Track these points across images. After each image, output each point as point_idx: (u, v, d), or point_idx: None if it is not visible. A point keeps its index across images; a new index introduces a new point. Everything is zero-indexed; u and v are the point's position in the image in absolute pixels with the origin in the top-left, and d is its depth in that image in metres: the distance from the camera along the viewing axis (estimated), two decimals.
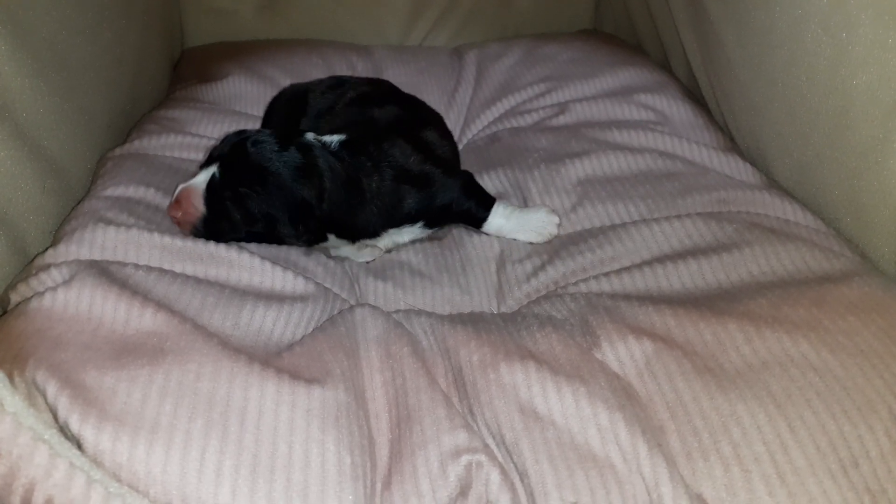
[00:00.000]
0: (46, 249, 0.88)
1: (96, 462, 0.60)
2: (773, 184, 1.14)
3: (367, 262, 1.07)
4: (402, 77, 1.59)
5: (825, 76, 1.01)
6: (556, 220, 1.08)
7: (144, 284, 0.82)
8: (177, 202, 0.94)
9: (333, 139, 1.01)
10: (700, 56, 1.38)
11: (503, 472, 0.67)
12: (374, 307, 0.89)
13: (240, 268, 0.91)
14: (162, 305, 0.78)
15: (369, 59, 1.67)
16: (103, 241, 0.89)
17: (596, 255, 1.00)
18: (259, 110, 1.41)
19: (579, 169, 1.19)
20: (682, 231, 1.01)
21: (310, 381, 0.72)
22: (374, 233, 1.03)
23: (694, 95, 1.44)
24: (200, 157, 1.17)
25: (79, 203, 1.00)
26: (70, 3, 1.08)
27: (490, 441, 0.71)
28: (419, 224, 1.06)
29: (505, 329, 0.85)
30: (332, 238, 1.00)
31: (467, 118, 1.50)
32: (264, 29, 1.81)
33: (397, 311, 0.92)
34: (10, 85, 0.91)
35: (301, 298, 0.90)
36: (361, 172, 0.99)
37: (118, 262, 0.86)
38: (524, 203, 1.15)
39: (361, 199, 0.99)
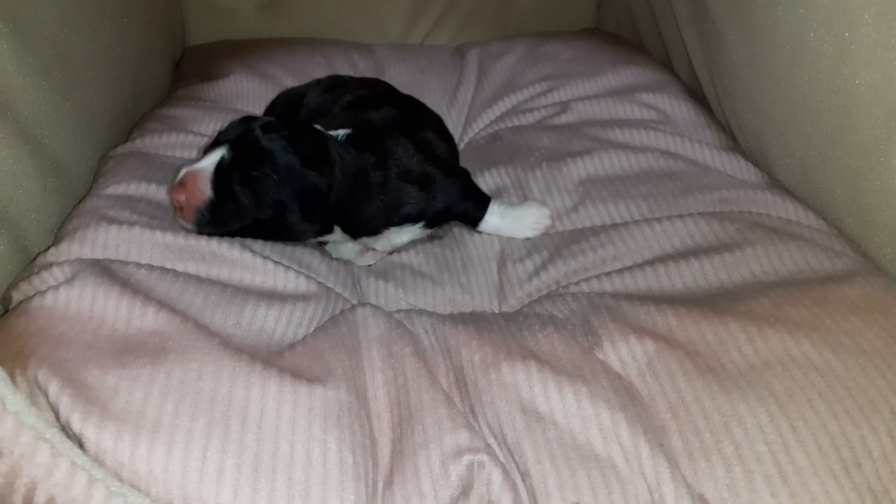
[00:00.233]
0: (48, 248, 0.88)
1: (98, 461, 0.60)
2: (776, 183, 1.14)
3: (369, 266, 1.07)
4: (404, 76, 1.59)
5: (828, 75, 1.00)
6: (548, 212, 1.09)
7: (146, 283, 0.82)
8: (181, 185, 0.89)
9: (339, 133, 1.00)
10: (702, 55, 1.38)
11: (505, 471, 0.67)
12: (375, 307, 0.89)
13: (242, 267, 0.91)
14: (163, 305, 0.78)
15: (371, 58, 1.67)
16: (105, 240, 0.89)
17: (597, 255, 1.00)
18: (260, 109, 1.41)
19: (581, 168, 1.19)
20: (683, 231, 1.01)
21: (311, 380, 0.72)
22: (376, 230, 1.02)
23: (696, 94, 1.43)
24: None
25: (80, 201, 1.00)
26: (71, 2, 1.08)
27: (492, 441, 0.71)
28: (420, 224, 1.05)
29: (506, 329, 0.85)
30: (336, 232, 0.99)
31: (469, 117, 1.50)
32: (266, 27, 1.81)
33: (399, 311, 0.92)
34: (12, 83, 0.91)
35: (303, 297, 0.89)
36: (368, 167, 0.98)
37: (120, 261, 0.86)
38: (522, 192, 1.14)
39: (368, 193, 0.98)
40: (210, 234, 0.92)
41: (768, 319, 0.80)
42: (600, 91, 1.43)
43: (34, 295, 0.77)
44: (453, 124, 1.48)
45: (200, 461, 0.62)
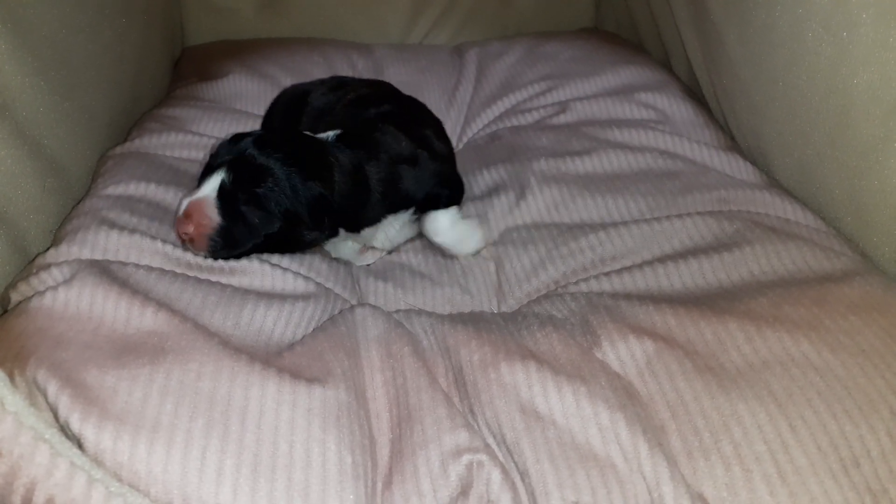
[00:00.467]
0: (47, 249, 0.88)
1: (97, 461, 0.60)
2: (774, 183, 1.14)
3: (368, 265, 1.07)
4: (403, 76, 1.59)
5: (826, 75, 1.01)
6: (482, 237, 1.08)
7: (145, 284, 0.82)
8: (186, 217, 0.88)
9: (329, 135, 1.00)
10: (701, 55, 1.38)
11: (504, 471, 0.67)
12: (374, 307, 0.89)
13: (241, 273, 0.91)
14: (162, 305, 0.78)
15: (370, 58, 1.67)
16: (105, 243, 0.89)
17: (596, 254, 1.00)
18: (260, 109, 1.41)
19: (580, 167, 1.19)
20: (682, 230, 1.01)
21: (310, 380, 0.72)
22: (376, 220, 1.02)
23: (695, 94, 1.43)
24: (202, 155, 1.17)
25: (79, 202, 1.00)
26: (70, 2, 1.08)
27: (491, 440, 0.71)
28: (411, 210, 1.05)
29: (505, 328, 0.85)
30: (341, 233, 1.00)
31: (468, 117, 1.50)
32: (265, 27, 1.81)
33: (398, 311, 0.92)
34: (11, 83, 0.91)
35: (302, 298, 0.89)
36: (362, 162, 0.99)
37: (119, 262, 0.86)
38: (522, 194, 1.14)
39: (367, 188, 0.99)
40: (226, 258, 0.92)
41: (767, 319, 0.80)
42: (599, 91, 1.43)
43: (33, 295, 0.77)
44: (452, 124, 1.48)
45: (200, 461, 0.62)
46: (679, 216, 1.04)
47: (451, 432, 0.69)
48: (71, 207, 1.01)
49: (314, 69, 1.57)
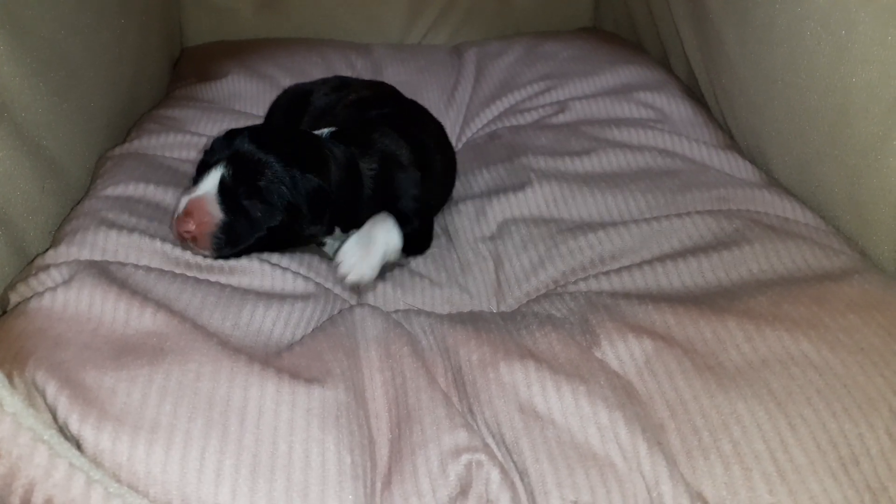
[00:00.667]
0: (46, 250, 0.88)
1: (96, 462, 0.60)
2: (773, 181, 1.14)
3: None
4: (402, 75, 1.59)
5: (825, 74, 1.01)
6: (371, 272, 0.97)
7: (144, 284, 0.82)
8: (186, 215, 0.87)
9: (324, 132, 1.01)
10: (700, 54, 1.38)
11: (503, 470, 0.67)
12: (373, 307, 0.89)
13: (240, 273, 0.91)
14: (161, 305, 0.78)
15: (369, 58, 1.67)
16: (104, 244, 0.89)
17: (595, 254, 1.00)
18: (259, 109, 1.41)
19: (579, 166, 1.19)
20: (681, 229, 1.01)
21: (310, 380, 0.72)
22: (364, 219, 1.02)
23: (694, 93, 1.43)
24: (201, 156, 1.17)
25: (78, 203, 1.00)
26: (69, 3, 1.08)
27: (490, 440, 0.71)
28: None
29: (504, 328, 0.85)
30: (337, 232, 1.00)
31: (467, 116, 1.50)
32: (264, 27, 1.81)
33: (396, 312, 0.92)
34: (9, 84, 0.91)
35: (301, 298, 0.89)
36: (355, 157, 1.00)
37: (118, 263, 0.86)
38: (521, 188, 1.14)
39: (360, 183, 1.00)
40: (228, 257, 0.91)
41: (766, 318, 0.80)
42: (598, 90, 1.43)
43: (32, 296, 0.77)
44: (451, 124, 1.48)
45: (199, 461, 0.62)
46: (678, 215, 1.04)
47: (451, 432, 0.69)
48: (70, 208, 1.01)
49: (313, 69, 1.57)
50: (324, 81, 1.36)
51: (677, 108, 1.35)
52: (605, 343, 0.80)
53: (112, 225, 0.92)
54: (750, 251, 0.94)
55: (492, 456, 0.68)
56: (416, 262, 1.08)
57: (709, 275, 0.92)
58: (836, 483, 0.65)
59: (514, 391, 0.74)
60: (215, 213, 0.88)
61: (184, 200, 0.89)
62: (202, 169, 0.92)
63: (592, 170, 1.18)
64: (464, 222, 1.14)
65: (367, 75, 1.60)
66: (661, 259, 0.96)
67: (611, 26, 1.90)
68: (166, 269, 0.88)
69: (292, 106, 1.31)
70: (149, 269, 0.86)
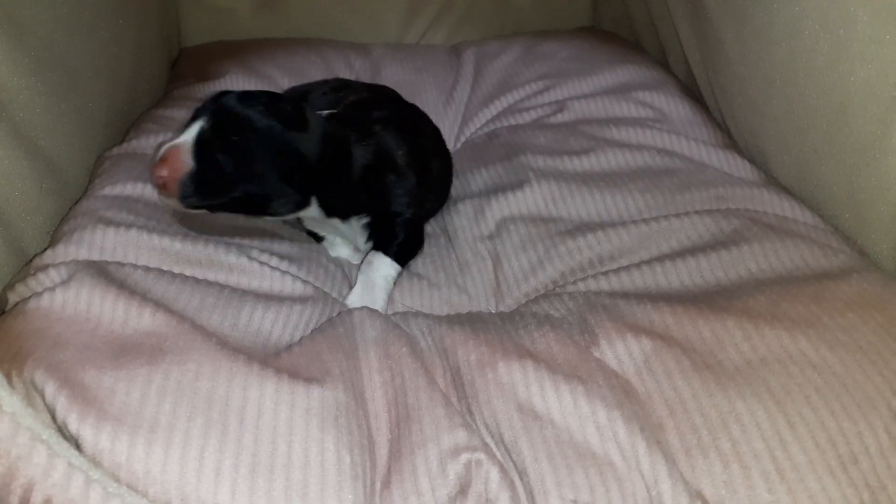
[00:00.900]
0: (45, 250, 0.88)
1: (95, 462, 0.60)
2: (772, 180, 1.14)
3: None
4: (400, 75, 1.59)
5: (823, 73, 1.01)
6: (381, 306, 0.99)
7: (143, 284, 0.82)
8: (162, 161, 0.86)
9: (322, 112, 1.00)
10: (698, 53, 1.38)
11: (502, 470, 0.67)
12: (371, 309, 0.89)
13: (239, 271, 0.91)
14: (160, 305, 0.78)
15: (367, 58, 1.67)
16: (102, 243, 0.89)
17: (594, 254, 1.00)
18: None
19: (578, 165, 1.19)
20: (680, 229, 1.01)
21: (309, 380, 0.72)
22: (345, 214, 1.02)
23: (692, 93, 1.44)
24: None
25: (77, 203, 1.00)
26: (66, 3, 1.08)
27: (489, 440, 0.71)
28: (366, 220, 1.04)
29: (503, 328, 0.85)
30: (313, 206, 0.97)
31: (465, 116, 1.50)
32: (262, 27, 1.81)
33: (395, 313, 0.92)
34: (7, 84, 0.90)
35: (300, 300, 0.89)
36: (349, 142, 0.99)
37: (116, 263, 0.86)
38: (520, 186, 1.14)
39: (348, 164, 0.98)
40: (196, 208, 0.89)
41: (765, 316, 0.80)
42: (597, 90, 1.43)
43: (31, 296, 0.77)
44: (450, 123, 1.48)
45: (198, 461, 0.62)
46: (677, 215, 1.04)
47: (450, 431, 0.69)
48: (68, 208, 1.01)
49: (312, 69, 1.57)
50: (325, 81, 1.36)
51: (676, 107, 1.35)
52: (604, 343, 0.80)
53: (110, 224, 0.92)
54: (748, 250, 0.94)
55: (491, 455, 0.68)
56: (415, 263, 1.08)
57: (707, 274, 0.92)
58: (835, 481, 0.65)
59: (512, 391, 0.74)
60: (187, 161, 0.87)
61: (163, 147, 0.89)
62: (190, 121, 0.92)
63: (591, 169, 1.18)
64: (462, 222, 1.14)
65: (365, 75, 1.60)
66: (660, 259, 0.96)
67: (609, 26, 1.90)
68: (165, 268, 0.88)
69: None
70: (147, 268, 0.86)
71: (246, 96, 0.92)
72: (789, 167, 1.12)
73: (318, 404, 0.70)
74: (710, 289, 0.89)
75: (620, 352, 0.79)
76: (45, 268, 0.83)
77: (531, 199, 1.13)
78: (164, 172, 0.86)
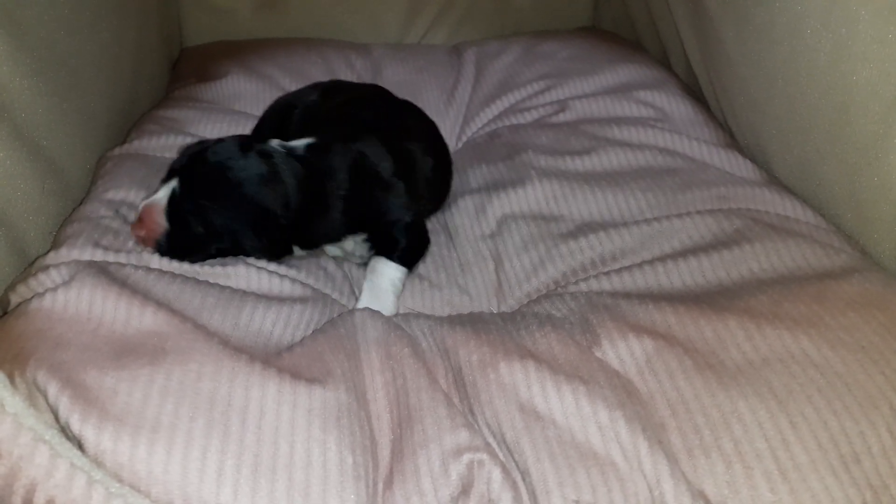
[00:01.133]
0: (47, 252, 0.88)
1: (97, 462, 0.60)
2: (774, 180, 1.14)
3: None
4: (401, 75, 1.59)
5: (825, 72, 1.00)
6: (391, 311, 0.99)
7: (144, 284, 0.82)
8: (139, 220, 0.91)
9: (301, 143, 0.98)
10: (699, 52, 1.38)
11: (505, 470, 0.67)
12: (373, 310, 0.89)
13: (236, 277, 0.91)
14: (162, 305, 0.78)
15: (368, 58, 1.67)
16: (104, 246, 0.89)
17: (596, 254, 1.00)
18: (258, 109, 1.40)
19: (579, 165, 1.19)
20: (682, 230, 1.01)
21: (311, 381, 0.72)
22: (336, 238, 1.01)
23: (693, 92, 1.43)
24: None
25: (79, 205, 1.00)
26: (68, 3, 1.08)
27: (491, 440, 0.71)
28: (364, 236, 1.03)
29: (504, 328, 0.85)
30: (296, 250, 0.98)
31: (466, 116, 1.50)
32: (263, 27, 1.81)
33: (396, 315, 0.92)
34: (9, 85, 0.91)
35: (300, 301, 0.90)
36: (326, 176, 0.97)
37: (118, 263, 0.86)
38: (522, 184, 1.14)
39: (325, 205, 0.97)
40: (180, 260, 0.92)
41: (767, 316, 0.80)
42: (598, 89, 1.43)
43: (32, 297, 0.77)
44: (451, 123, 1.48)
45: (200, 461, 0.62)
46: (679, 215, 1.03)
47: (452, 432, 0.69)
48: (70, 209, 1.01)
49: (312, 69, 1.57)
50: (315, 86, 1.33)
51: (677, 106, 1.35)
52: (606, 342, 0.80)
53: (111, 227, 0.92)
54: (750, 250, 0.94)
55: (493, 455, 0.68)
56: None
57: (709, 274, 0.92)
58: (838, 481, 0.65)
59: (514, 391, 0.74)
60: (161, 222, 0.91)
61: (142, 204, 0.93)
62: (168, 175, 0.94)
63: (593, 168, 1.18)
64: (463, 219, 1.14)
65: (366, 75, 1.60)
66: (662, 259, 0.96)
67: (610, 25, 1.90)
68: (165, 269, 0.88)
69: (278, 116, 1.27)
70: (148, 269, 0.86)
71: (218, 151, 0.92)
72: (791, 167, 1.12)
73: (320, 405, 0.69)
74: (711, 288, 0.89)
75: (622, 352, 0.79)
76: (46, 269, 0.83)
77: (533, 196, 1.13)
78: (141, 232, 0.91)
